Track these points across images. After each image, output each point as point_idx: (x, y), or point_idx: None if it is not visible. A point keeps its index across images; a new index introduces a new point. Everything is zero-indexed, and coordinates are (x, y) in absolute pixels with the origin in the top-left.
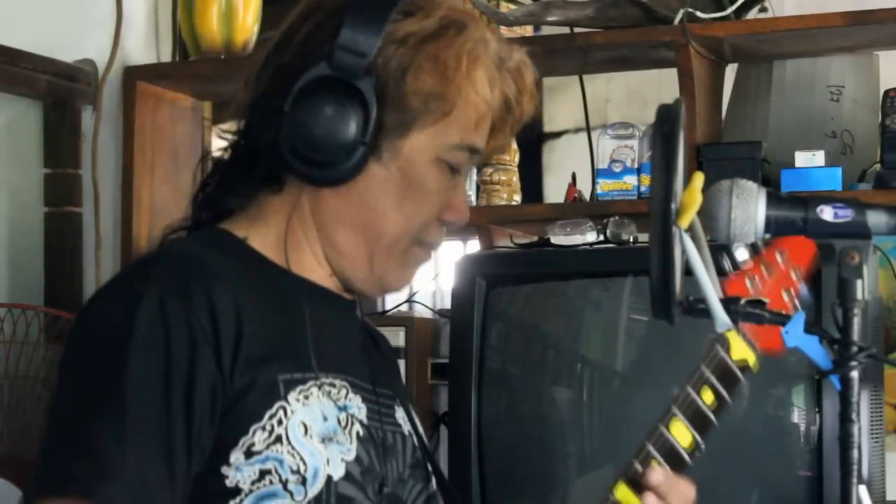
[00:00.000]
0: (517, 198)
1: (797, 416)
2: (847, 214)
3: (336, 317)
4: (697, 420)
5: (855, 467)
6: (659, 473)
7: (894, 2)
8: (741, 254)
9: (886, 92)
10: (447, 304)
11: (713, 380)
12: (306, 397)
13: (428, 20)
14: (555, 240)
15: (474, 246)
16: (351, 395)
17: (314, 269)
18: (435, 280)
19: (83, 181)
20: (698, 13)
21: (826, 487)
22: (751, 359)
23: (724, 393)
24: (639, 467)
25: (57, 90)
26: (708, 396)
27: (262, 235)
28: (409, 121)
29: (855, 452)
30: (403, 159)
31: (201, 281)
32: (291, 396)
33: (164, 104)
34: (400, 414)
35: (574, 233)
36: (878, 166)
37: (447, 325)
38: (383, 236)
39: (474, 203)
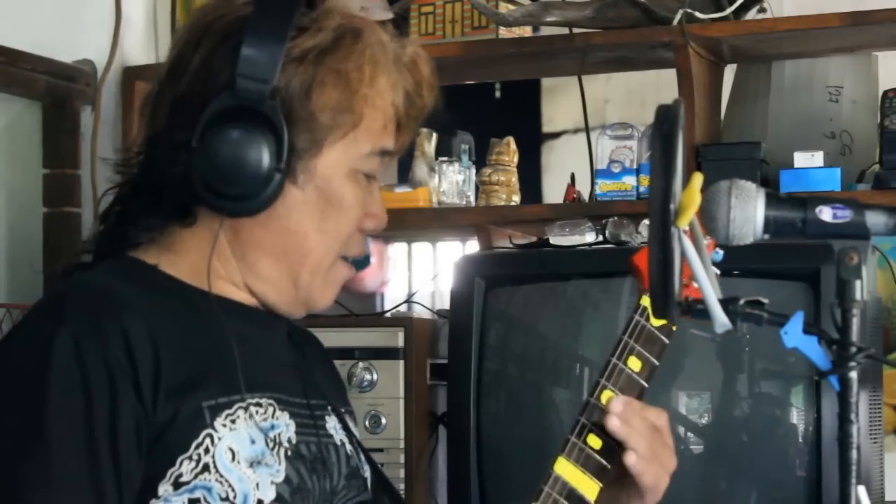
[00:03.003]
0: (516, 198)
1: (796, 417)
2: (846, 215)
3: (257, 332)
4: (628, 387)
5: (854, 468)
6: (619, 401)
7: (893, 2)
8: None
9: (885, 92)
10: (446, 305)
11: (638, 347)
12: (233, 421)
13: (322, 33)
14: (554, 240)
15: (473, 246)
16: (278, 412)
17: (233, 292)
18: (434, 280)
19: (82, 182)
20: (697, 14)
21: (825, 488)
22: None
23: (651, 358)
24: (575, 440)
25: (56, 90)
26: (635, 364)
27: (173, 263)
28: (319, 139)
29: (854, 453)
30: (319, 178)
31: (113, 313)
32: (218, 422)
33: None
34: (332, 423)
35: (573, 233)
36: (876, 167)
37: (446, 325)
38: (307, 258)
39: (474, 203)
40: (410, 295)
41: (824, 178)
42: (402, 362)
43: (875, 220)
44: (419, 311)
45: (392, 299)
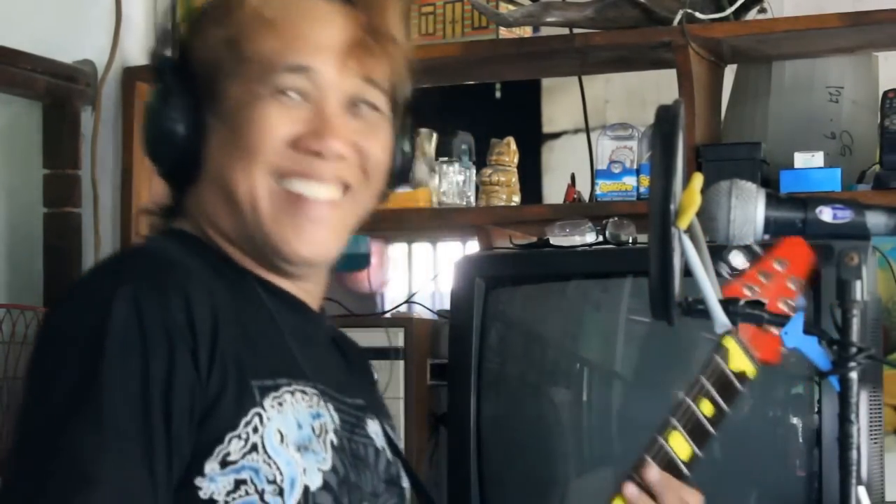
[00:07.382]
0: (516, 198)
1: (796, 417)
2: (846, 215)
3: (302, 324)
4: (696, 432)
5: (854, 468)
6: (654, 472)
7: (893, 3)
8: (737, 259)
9: (885, 93)
10: (446, 305)
11: (713, 391)
12: (280, 404)
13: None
14: (554, 241)
15: (473, 247)
16: (322, 403)
17: (277, 279)
18: (434, 281)
19: (82, 182)
20: (697, 14)
21: (825, 488)
22: (749, 370)
23: (723, 404)
24: (639, 480)
25: (56, 91)
26: (707, 408)
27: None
28: (216, 80)
29: (854, 453)
30: (227, 113)
31: (177, 278)
32: (267, 402)
33: None
34: (373, 427)
35: (573, 234)
36: (877, 167)
37: (446, 325)
38: (236, 194)
39: (474, 204)
40: (410, 295)
41: (824, 178)
42: (402, 363)
43: (875, 220)
44: (419, 312)
45: (392, 299)
